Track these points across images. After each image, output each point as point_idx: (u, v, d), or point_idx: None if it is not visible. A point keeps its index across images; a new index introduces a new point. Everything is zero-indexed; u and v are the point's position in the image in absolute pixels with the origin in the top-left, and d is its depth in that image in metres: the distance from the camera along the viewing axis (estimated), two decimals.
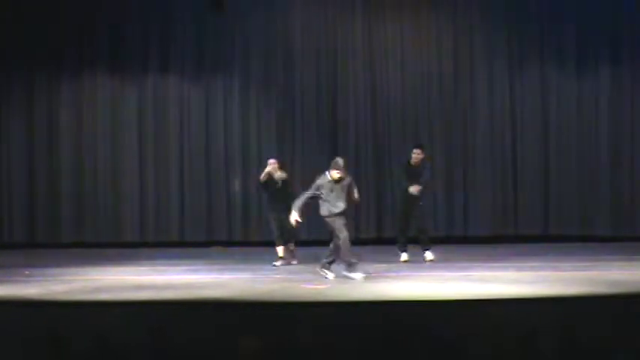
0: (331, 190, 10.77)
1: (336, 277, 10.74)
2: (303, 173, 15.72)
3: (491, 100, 15.69)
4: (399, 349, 5.98)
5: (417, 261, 12.66)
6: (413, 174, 12.76)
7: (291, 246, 12.81)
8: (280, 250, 12.67)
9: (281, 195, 12.70)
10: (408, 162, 12.91)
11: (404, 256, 12.70)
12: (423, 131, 15.66)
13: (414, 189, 12.61)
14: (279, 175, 12.91)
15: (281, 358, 5.73)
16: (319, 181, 10.88)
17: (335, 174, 10.79)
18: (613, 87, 15.51)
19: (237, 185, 14.80)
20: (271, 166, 12.93)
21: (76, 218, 15.77)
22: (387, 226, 15.60)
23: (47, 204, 15.80)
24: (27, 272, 11.79)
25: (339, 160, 10.92)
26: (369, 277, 10.69)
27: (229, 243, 15.01)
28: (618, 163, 15.48)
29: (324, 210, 10.79)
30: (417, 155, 12.84)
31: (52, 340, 6.34)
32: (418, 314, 7.96)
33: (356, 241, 15.42)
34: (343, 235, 10.69)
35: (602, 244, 14.63)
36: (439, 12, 15.74)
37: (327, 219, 10.80)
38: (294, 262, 12.65)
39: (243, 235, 15.72)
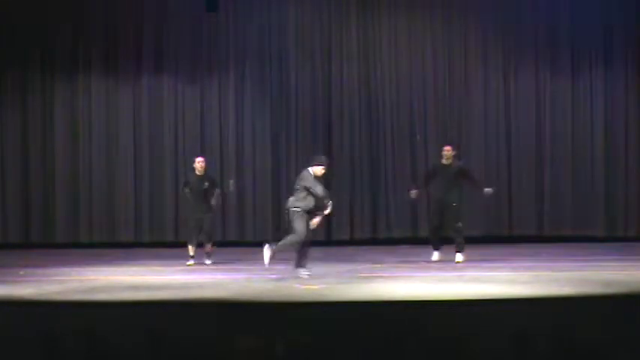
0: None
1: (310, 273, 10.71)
2: (298, 172, 15.73)
3: (486, 100, 15.72)
4: (394, 349, 5.99)
5: (413, 261, 12.69)
6: (446, 173, 12.70)
7: (208, 247, 12.83)
8: (192, 249, 12.68)
9: (206, 195, 12.75)
10: (440, 162, 12.88)
11: (435, 256, 12.68)
12: (417, 131, 15.68)
13: (488, 191, 12.76)
14: (202, 174, 12.82)
15: (278, 358, 5.74)
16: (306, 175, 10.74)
17: (319, 170, 10.80)
18: (607, 88, 15.56)
19: (231, 185, 14.81)
20: (199, 164, 12.86)
21: (70, 218, 15.77)
22: (382, 227, 15.63)
23: (42, 204, 15.79)
24: (22, 272, 11.79)
25: (323, 157, 11.09)
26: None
27: (224, 243, 15.00)
28: (612, 164, 15.52)
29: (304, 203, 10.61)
30: (448, 152, 12.79)
31: (47, 341, 6.33)
32: (413, 314, 7.96)
33: (351, 241, 15.54)
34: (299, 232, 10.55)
35: (597, 245, 14.67)
36: (434, 13, 15.76)
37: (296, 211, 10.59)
38: (208, 262, 12.71)
39: (239, 234, 15.73)
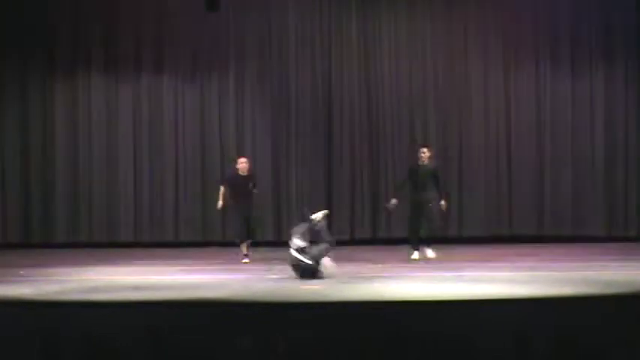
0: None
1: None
2: (298, 172, 15.78)
3: (486, 99, 15.71)
4: (394, 349, 5.98)
5: (413, 261, 12.69)
6: (422, 173, 12.82)
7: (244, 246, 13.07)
8: (244, 247, 12.94)
9: (250, 194, 12.96)
10: (416, 162, 12.99)
11: (415, 255, 12.80)
12: (418, 131, 15.69)
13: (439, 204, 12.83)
14: (247, 174, 13.03)
15: (279, 358, 5.74)
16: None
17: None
18: (607, 87, 15.56)
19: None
20: (242, 164, 13.06)
21: (70, 218, 15.76)
22: (382, 226, 15.63)
23: (41, 204, 15.78)
24: (21, 272, 11.78)
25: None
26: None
27: (224, 243, 14.98)
28: (612, 164, 15.52)
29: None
30: (424, 154, 12.90)
31: (47, 341, 6.33)
32: (413, 314, 7.96)
33: (351, 241, 15.53)
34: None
35: (597, 245, 14.67)
36: (434, 11, 15.75)
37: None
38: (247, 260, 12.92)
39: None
